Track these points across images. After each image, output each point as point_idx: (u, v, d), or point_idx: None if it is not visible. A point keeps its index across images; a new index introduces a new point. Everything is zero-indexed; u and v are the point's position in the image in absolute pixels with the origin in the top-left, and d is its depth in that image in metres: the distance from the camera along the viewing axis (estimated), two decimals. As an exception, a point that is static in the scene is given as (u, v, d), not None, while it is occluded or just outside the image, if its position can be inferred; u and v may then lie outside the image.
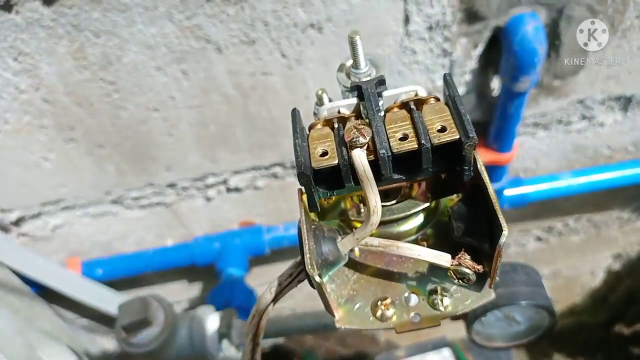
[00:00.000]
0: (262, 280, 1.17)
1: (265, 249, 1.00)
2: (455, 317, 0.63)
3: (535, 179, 1.05)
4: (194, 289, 1.16)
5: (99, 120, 0.80)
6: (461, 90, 0.88)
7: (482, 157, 0.91)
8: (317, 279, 0.31)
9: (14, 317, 0.89)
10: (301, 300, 1.20)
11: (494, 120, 0.89)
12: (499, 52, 0.82)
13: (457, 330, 0.98)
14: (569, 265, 1.53)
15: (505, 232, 0.30)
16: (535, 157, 1.07)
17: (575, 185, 1.05)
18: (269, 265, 1.13)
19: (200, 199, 0.98)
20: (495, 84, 0.88)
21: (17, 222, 0.94)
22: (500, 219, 0.31)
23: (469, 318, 0.57)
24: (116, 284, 1.02)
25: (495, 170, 0.96)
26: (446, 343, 1.06)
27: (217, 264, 0.98)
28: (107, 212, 0.95)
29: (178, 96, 0.79)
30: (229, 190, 0.97)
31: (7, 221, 0.92)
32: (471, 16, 0.77)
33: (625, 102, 0.98)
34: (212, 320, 0.61)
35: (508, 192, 1.03)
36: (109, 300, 1.00)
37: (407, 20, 0.75)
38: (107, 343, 1.18)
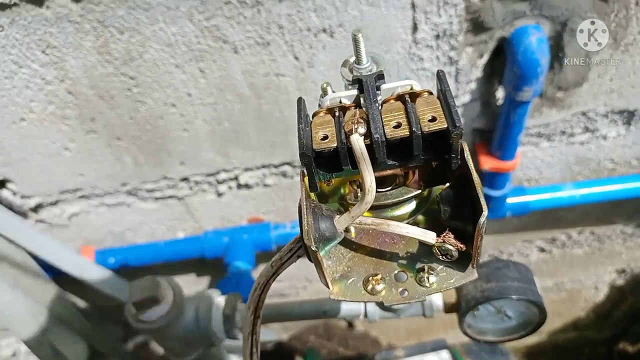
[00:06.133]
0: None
1: (272, 246, 1.04)
2: (448, 310, 0.65)
3: (537, 189, 1.07)
4: (203, 282, 1.20)
5: (119, 113, 0.84)
6: (466, 98, 0.91)
7: (486, 164, 0.94)
8: (313, 247, 0.34)
9: (27, 299, 0.93)
10: (305, 297, 1.23)
11: (498, 129, 0.92)
12: (504, 63, 0.85)
13: (457, 336, 1.01)
14: (572, 278, 1.55)
15: (484, 213, 0.33)
16: (539, 167, 1.09)
17: (577, 196, 1.07)
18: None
19: (212, 194, 1.02)
20: (500, 94, 0.91)
21: (36, 209, 0.98)
22: (481, 201, 0.34)
23: (461, 310, 0.60)
24: (127, 273, 1.06)
25: (498, 178, 0.98)
26: (445, 346, 1.08)
27: (225, 257, 1.02)
28: (122, 203, 0.99)
29: (195, 93, 0.83)
30: (239, 186, 1.01)
31: (27, 207, 0.96)
32: (477, 26, 0.80)
33: (629, 116, 1.01)
34: (218, 303, 0.65)
35: (510, 200, 1.06)
36: (119, 288, 1.04)
37: (415, 28, 0.78)
38: (117, 331, 1.21)
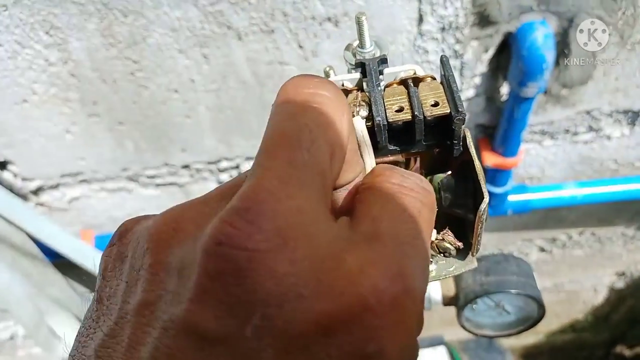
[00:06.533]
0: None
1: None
2: (447, 302, 0.65)
3: (539, 187, 1.07)
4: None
5: (122, 97, 0.84)
6: (470, 92, 0.90)
7: (488, 160, 0.94)
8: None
9: (26, 281, 0.93)
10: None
11: (501, 125, 0.91)
12: (509, 58, 0.85)
13: (455, 333, 1.01)
14: (571, 279, 1.54)
15: (486, 199, 0.33)
16: (542, 166, 1.09)
17: (579, 196, 1.06)
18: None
19: (213, 182, 1.01)
20: (505, 90, 0.91)
21: (36, 192, 0.98)
22: (482, 187, 0.33)
23: (460, 303, 0.60)
24: (126, 259, 1.06)
25: (499, 174, 0.98)
26: (442, 342, 1.08)
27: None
28: (123, 188, 0.99)
29: (198, 79, 0.83)
30: (240, 175, 1.00)
31: (27, 190, 0.96)
32: (483, 20, 0.79)
33: (633, 117, 1.00)
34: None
35: (512, 198, 1.05)
36: (117, 274, 1.04)
37: (420, 19, 0.78)
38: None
